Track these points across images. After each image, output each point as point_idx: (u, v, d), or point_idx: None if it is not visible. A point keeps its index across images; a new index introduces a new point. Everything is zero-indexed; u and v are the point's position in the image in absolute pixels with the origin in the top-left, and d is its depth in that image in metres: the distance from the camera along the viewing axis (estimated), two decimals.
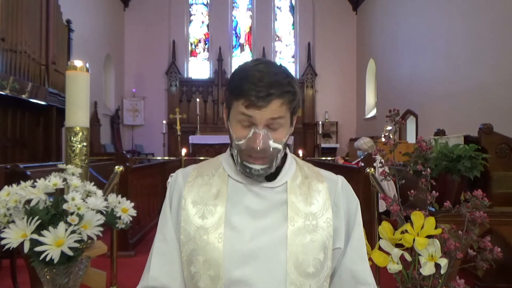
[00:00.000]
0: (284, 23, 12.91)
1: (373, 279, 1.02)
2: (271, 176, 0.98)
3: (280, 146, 0.94)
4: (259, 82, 0.87)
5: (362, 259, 1.01)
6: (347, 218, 1.01)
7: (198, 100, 10.29)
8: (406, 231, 1.58)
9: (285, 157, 1.03)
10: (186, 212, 0.96)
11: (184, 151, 6.74)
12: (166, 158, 8.86)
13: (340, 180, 1.04)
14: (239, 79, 0.91)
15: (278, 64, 0.95)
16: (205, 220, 0.94)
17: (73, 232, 1.13)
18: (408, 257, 1.59)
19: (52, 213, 1.18)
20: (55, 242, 1.10)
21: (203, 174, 1.02)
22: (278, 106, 0.89)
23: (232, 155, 1.02)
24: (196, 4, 12.78)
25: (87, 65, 1.63)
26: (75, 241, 1.12)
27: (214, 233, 0.92)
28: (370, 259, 1.57)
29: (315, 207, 0.96)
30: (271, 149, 0.92)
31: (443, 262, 1.54)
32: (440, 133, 3.65)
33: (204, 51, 12.74)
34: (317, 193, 0.99)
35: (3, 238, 1.10)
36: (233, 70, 0.99)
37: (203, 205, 0.96)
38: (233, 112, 0.93)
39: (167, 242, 0.98)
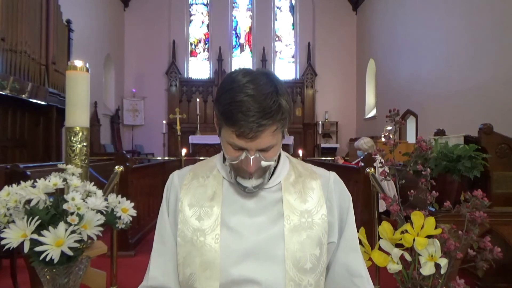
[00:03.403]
0: (284, 23, 12.91)
1: (366, 271, 1.04)
2: None
3: (272, 162, 0.95)
4: (248, 111, 0.84)
5: (355, 252, 1.04)
6: (340, 213, 1.03)
7: (198, 100, 10.28)
8: (406, 231, 1.58)
9: (278, 157, 1.03)
10: (183, 214, 0.98)
11: (184, 151, 6.74)
12: (166, 158, 8.86)
13: (333, 176, 1.06)
14: (228, 103, 0.87)
15: (267, 77, 0.90)
16: (202, 221, 0.95)
17: (73, 232, 1.13)
18: (408, 257, 1.59)
19: (52, 213, 1.17)
20: (55, 242, 1.10)
21: (199, 176, 1.03)
22: (270, 133, 0.88)
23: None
24: (196, 4, 12.78)
25: (87, 65, 1.63)
26: (75, 241, 1.11)
27: (210, 234, 0.94)
28: (370, 259, 1.57)
29: (309, 205, 0.98)
30: (263, 168, 0.93)
31: (443, 262, 1.54)
32: (440, 133, 3.65)
33: (204, 51, 12.74)
34: (311, 190, 1.01)
35: (3, 238, 1.10)
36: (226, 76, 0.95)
37: (199, 207, 0.97)
38: (224, 133, 0.92)
39: (165, 243, 1.01)
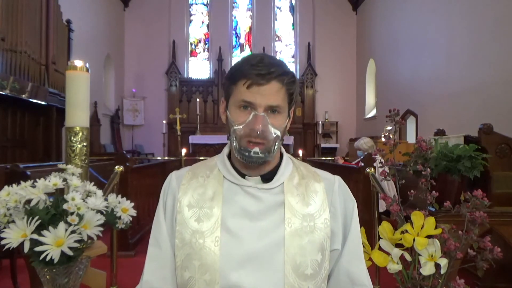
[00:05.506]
0: (284, 23, 12.91)
1: (369, 280, 1.02)
2: (268, 177, 0.98)
3: (278, 133, 0.93)
4: (259, 63, 0.90)
5: (359, 260, 1.01)
6: (344, 219, 1.00)
7: (198, 100, 10.29)
8: (406, 231, 1.58)
9: (281, 157, 1.02)
10: (182, 216, 0.95)
11: (184, 151, 6.74)
12: (166, 158, 8.86)
13: (337, 180, 1.03)
14: (240, 64, 0.94)
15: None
16: (201, 223, 0.93)
17: (73, 232, 1.13)
18: (408, 257, 1.59)
19: (52, 213, 1.17)
20: (55, 242, 1.09)
21: (198, 175, 1.00)
22: (278, 88, 0.91)
23: (227, 156, 1.02)
24: (196, 4, 12.78)
25: (87, 65, 1.63)
26: (75, 241, 1.11)
27: (210, 237, 0.91)
28: (370, 259, 1.57)
29: (312, 208, 0.96)
30: (270, 135, 0.91)
31: (443, 262, 1.54)
32: (440, 133, 3.64)
33: (204, 51, 12.74)
34: (314, 193, 0.98)
35: (3, 238, 1.10)
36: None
37: (199, 208, 0.95)
38: (233, 98, 0.94)
39: (160, 246, 0.98)
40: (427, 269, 1.53)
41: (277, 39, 12.87)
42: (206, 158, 1.13)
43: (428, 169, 1.78)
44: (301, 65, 12.62)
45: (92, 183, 1.36)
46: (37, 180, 1.22)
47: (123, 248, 3.82)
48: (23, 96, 5.92)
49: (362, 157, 4.65)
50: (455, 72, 6.95)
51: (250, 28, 12.80)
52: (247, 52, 12.70)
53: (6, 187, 1.22)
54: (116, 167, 3.07)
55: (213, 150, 8.69)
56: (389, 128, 7.03)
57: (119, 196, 1.36)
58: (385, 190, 3.15)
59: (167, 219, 0.99)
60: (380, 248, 1.62)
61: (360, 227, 1.05)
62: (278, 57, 12.00)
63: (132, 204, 1.36)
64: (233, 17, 12.75)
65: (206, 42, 12.73)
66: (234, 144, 0.94)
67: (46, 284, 1.23)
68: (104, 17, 10.54)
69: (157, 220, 1.00)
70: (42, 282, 1.23)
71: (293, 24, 12.88)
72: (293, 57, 12.86)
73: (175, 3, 12.20)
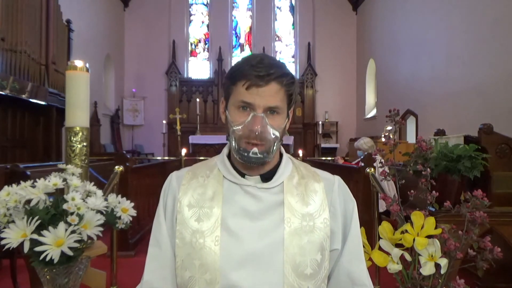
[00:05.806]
0: (284, 23, 12.91)
1: (370, 280, 1.02)
2: (267, 177, 0.98)
3: (277, 133, 0.93)
4: (259, 64, 0.90)
5: (359, 260, 1.01)
6: (344, 219, 1.00)
7: (198, 100, 10.28)
8: (406, 231, 1.58)
9: (280, 157, 1.03)
10: (182, 216, 0.95)
11: (184, 151, 6.74)
12: (166, 158, 8.86)
13: (337, 180, 1.03)
14: (239, 64, 0.93)
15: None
16: (201, 223, 0.93)
17: (73, 232, 1.13)
18: (408, 257, 1.59)
19: (52, 213, 1.17)
20: (55, 242, 1.09)
21: (198, 175, 1.01)
22: (277, 89, 0.91)
23: (227, 156, 1.02)
24: (196, 4, 12.78)
25: (87, 65, 1.63)
26: (75, 241, 1.11)
27: (210, 236, 0.91)
28: (370, 259, 1.57)
29: (312, 208, 0.96)
30: (268, 135, 0.91)
31: (443, 262, 1.54)
32: (440, 133, 3.64)
33: (204, 51, 12.74)
34: (314, 193, 0.98)
35: (3, 238, 1.10)
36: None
37: (199, 208, 0.95)
38: (232, 99, 0.94)
39: (160, 247, 0.98)
40: (427, 269, 1.53)
41: (277, 39, 12.87)
42: (206, 158, 1.13)
43: (428, 169, 1.78)
44: (301, 65, 12.62)
45: (92, 183, 1.36)
46: (37, 180, 1.22)
47: (123, 248, 3.82)
48: (23, 96, 5.92)
49: (362, 157, 4.65)
50: (455, 72, 6.95)
51: (250, 28, 12.80)
52: (247, 52, 12.71)
53: (6, 187, 1.22)
54: (116, 167, 3.07)
55: (213, 150, 8.68)
56: (389, 128, 7.04)
57: (119, 196, 1.36)
58: (385, 190, 3.15)
59: (167, 219, 0.99)
60: (380, 248, 1.62)
61: (360, 227, 1.05)
62: (278, 57, 12.08)
63: (132, 204, 1.36)
64: (233, 17, 12.76)
65: (206, 42, 12.73)
66: (233, 144, 0.94)
67: (46, 284, 1.23)
68: (104, 17, 10.54)
69: (157, 220, 1.01)
70: (42, 282, 1.23)
71: (293, 24, 12.89)
72: (293, 57, 12.86)
73: (175, 3, 12.21)
